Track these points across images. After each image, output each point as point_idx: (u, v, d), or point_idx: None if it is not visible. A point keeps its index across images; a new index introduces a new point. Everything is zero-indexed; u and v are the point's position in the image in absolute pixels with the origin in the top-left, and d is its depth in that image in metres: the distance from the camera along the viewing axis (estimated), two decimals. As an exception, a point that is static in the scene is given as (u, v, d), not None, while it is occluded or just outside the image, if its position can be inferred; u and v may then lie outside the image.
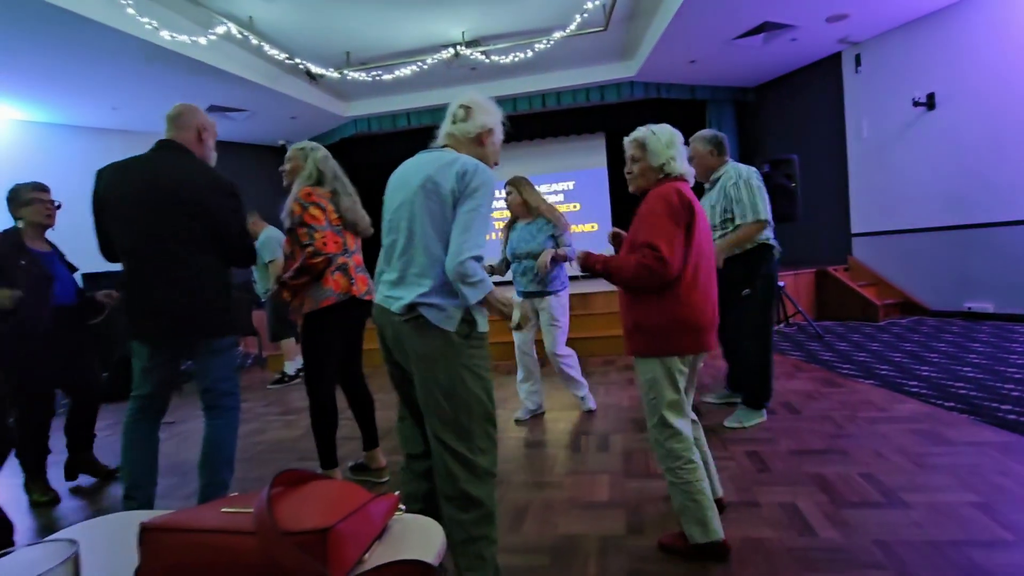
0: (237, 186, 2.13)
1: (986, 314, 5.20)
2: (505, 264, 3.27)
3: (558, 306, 3.27)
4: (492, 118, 1.59)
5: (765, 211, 2.80)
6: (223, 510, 0.58)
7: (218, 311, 2.05)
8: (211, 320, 2.04)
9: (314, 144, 2.55)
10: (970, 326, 4.98)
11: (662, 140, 1.76)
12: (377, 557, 0.60)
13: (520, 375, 3.41)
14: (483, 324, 1.47)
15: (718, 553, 1.69)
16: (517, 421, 3.34)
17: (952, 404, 2.94)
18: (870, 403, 3.10)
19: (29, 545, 0.46)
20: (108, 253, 2.11)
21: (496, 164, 1.62)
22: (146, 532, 0.56)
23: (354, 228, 2.49)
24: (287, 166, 2.52)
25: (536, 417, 3.41)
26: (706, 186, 3.09)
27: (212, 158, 2.19)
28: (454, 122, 1.57)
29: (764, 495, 2.11)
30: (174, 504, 2.47)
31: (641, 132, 1.81)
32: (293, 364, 5.21)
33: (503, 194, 3.10)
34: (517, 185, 3.25)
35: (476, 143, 1.57)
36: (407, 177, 1.51)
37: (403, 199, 1.48)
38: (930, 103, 5.47)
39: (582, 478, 2.43)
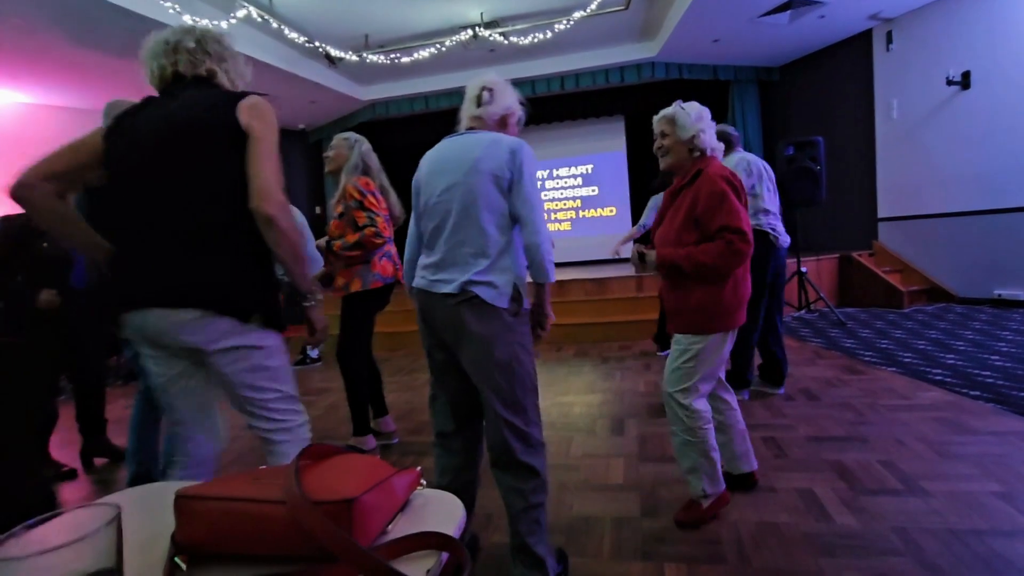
0: None
1: (1017, 301, 5.06)
2: None
3: None
4: (513, 100, 1.63)
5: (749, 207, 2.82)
6: (254, 480, 0.61)
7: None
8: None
9: (358, 136, 2.69)
10: (999, 314, 4.85)
11: (691, 114, 1.80)
12: (400, 528, 0.62)
13: None
14: (527, 302, 1.54)
15: (725, 501, 1.86)
16: None
17: (977, 393, 2.88)
18: (892, 391, 3.06)
19: (74, 509, 0.49)
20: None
21: None
22: (181, 500, 0.59)
23: (396, 220, 2.69)
24: (331, 153, 2.67)
25: (551, 401, 3.41)
26: None
27: None
28: (479, 104, 1.58)
29: (781, 481, 2.11)
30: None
31: (670, 108, 1.85)
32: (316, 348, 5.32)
33: None
34: None
35: (501, 125, 1.60)
36: (451, 160, 1.52)
37: (450, 182, 1.50)
38: (965, 82, 5.27)
39: (597, 461, 2.46)
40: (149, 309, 1.21)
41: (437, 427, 1.68)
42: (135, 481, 2.21)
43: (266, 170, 1.22)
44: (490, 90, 1.58)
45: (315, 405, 3.81)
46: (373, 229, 2.45)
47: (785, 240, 2.97)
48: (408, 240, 1.68)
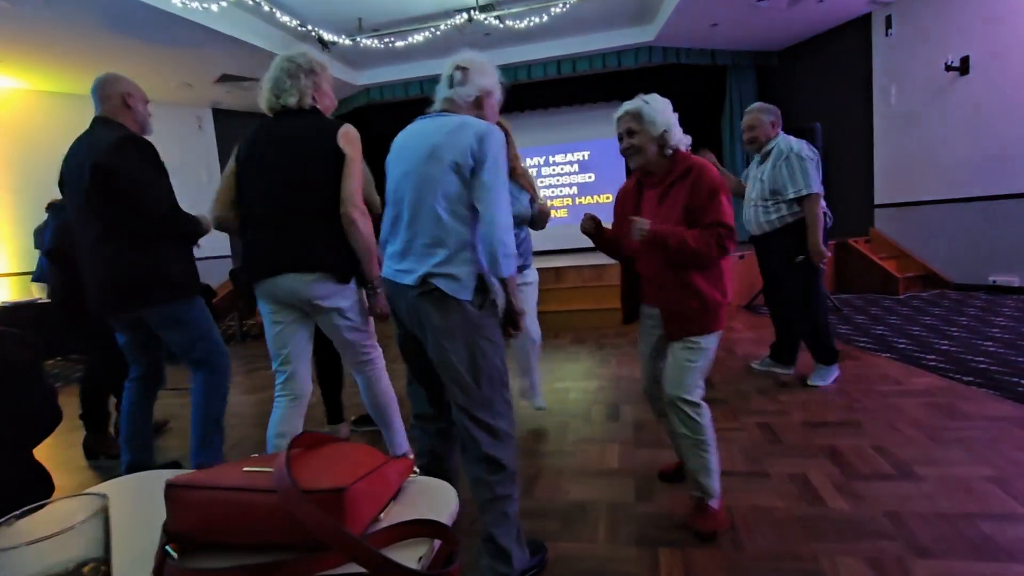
0: (150, 145, 2.05)
1: (1011, 288, 5.08)
2: None
3: (535, 280, 2.80)
4: (490, 79, 1.54)
5: (818, 184, 2.82)
6: (245, 469, 0.60)
7: (148, 281, 2.01)
8: (141, 292, 2.01)
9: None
10: (994, 300, 4.88)
11: (657, 107, 1.69)
12: (393, 516, 0.62)
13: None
14: (495, 293, 1.47)
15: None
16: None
17: (971, 378, 2.90)
18: (886, 376, 3.08)
19: (62, 499, 0.49)
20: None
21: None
22: (172, 489, 0.58)
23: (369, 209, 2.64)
24: None
25: (547, 387, 3.41)
26: (754, 157, 3.12)
27: (146, 120, 2.16)
28: (451, 85, 1.51)
29: (774, 466, 2.12)
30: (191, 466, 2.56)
31: (633, 104, 1.72)
32: None
33: None
34: (507, 131, 2.62)
35: (475, 106, 1.52)
36: (410, 146, 1.47)
37: (407, 169, 1.45)
38: (963, 67, 5.23)
39: (592, 446, 2.47)
40: (283, 275, 1.76)
41: (415, 409, 1.67)
42: (131, 468, 2.20)
43: (352, 184, 1.77)
44: (463, 69, 1.50)
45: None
46: None
47: (830, 221, 3.03)
48: (383, 224, 1.61)
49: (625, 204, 1.87)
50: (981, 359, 3.21)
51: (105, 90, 2.07)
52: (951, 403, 2.60)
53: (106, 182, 1.93)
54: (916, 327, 4.15)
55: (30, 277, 5.77)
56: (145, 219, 2.00)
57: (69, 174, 2.04)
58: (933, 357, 3.34)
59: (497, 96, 1.57)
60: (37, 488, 1.26)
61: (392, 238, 1.52)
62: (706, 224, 1.64)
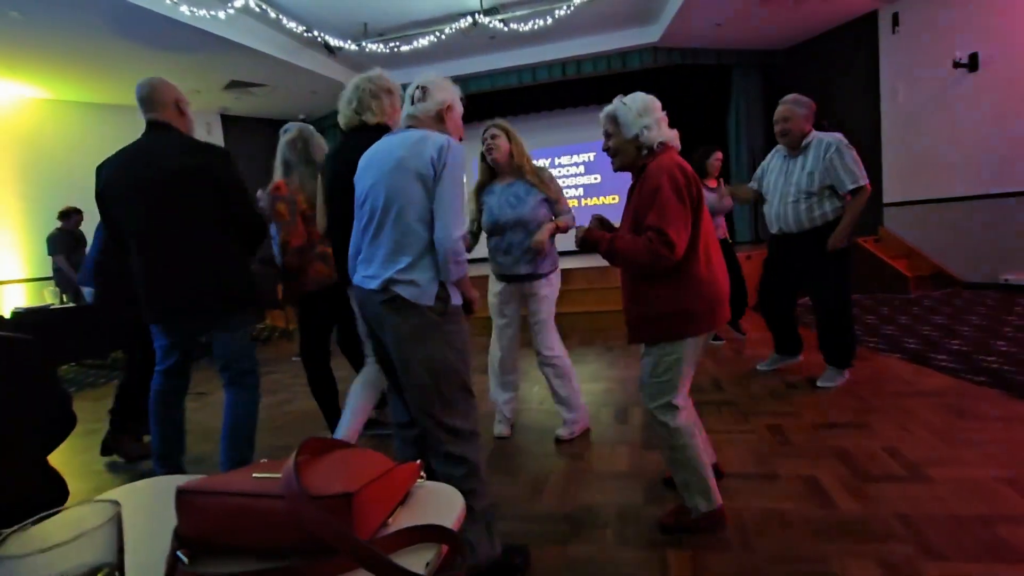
0: (231, 153, 2.13)
1: (1024, 286, 5.03)
2: (473, 238, 2.54)
3: (551, 293, 2.58)
4: (449, 94, 1.62)
5: (864, 173, 2.77)
6: (254, 475, 0.61)
7: (227, 288, 2.04)
8: (219, 297, 2.03)
9: (287, 126, 2.61)
10: (1006, 298, 4.82)
11: (633, 109, 1.67)
12: (400, 521, 0.63)
13: (495, 381, 2.75)
14: (456, 298, 1.52)
15: (720, 521, 1.72)
16: (498, 437, 2.69)
17: (983, 378, 2.87)
18: (896, 377, 3.05)
19: (74, 506, 0.49)
20: (118, 243, 2.15)
21: (461, 139, 1.62)
22: (182, 495, 0.59)
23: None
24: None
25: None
26: (782, 152, 3.02)
27: (193, 127, 2.17)
28: (412, 103, 1.59)
29: (784, 467, 2.11)
30: (208, 470, 2.58)
31: (612, 105, 1.73)
32: None
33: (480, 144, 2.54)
34: (507, 129, 2.52)
35: (437, 120, 1.60)
36: (377, 159, 1.54)
37: (374, 179, 1.51)
38: (972, 64, 5.19)
39: (601, 449, 2.46)
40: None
41: (394, 417, 1.72)
42: (162, 466, 2.19)
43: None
44: (423, 88, 1.58)
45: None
46: (281, 242, 2.50)
47: None
48: (352, 235, 1.67)
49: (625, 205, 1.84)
50: (993, 359, 3.18)
51: (159, 96, 2.03)
52: (963, 403, 2.57)
53: (207, 189, 1.97)
54: (927, 327, 4.11)
55: (42, 283, 5.85)
56: (243, 227, 2.07)
57: (132, 180, 1.97)
58: (944, 357, 3.31)
59: (458, 109, 1.65)
60: (51, 494, 1.28)
61: (360, 247, 1.59)
62: (644, 228, 1.58)
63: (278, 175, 2.57)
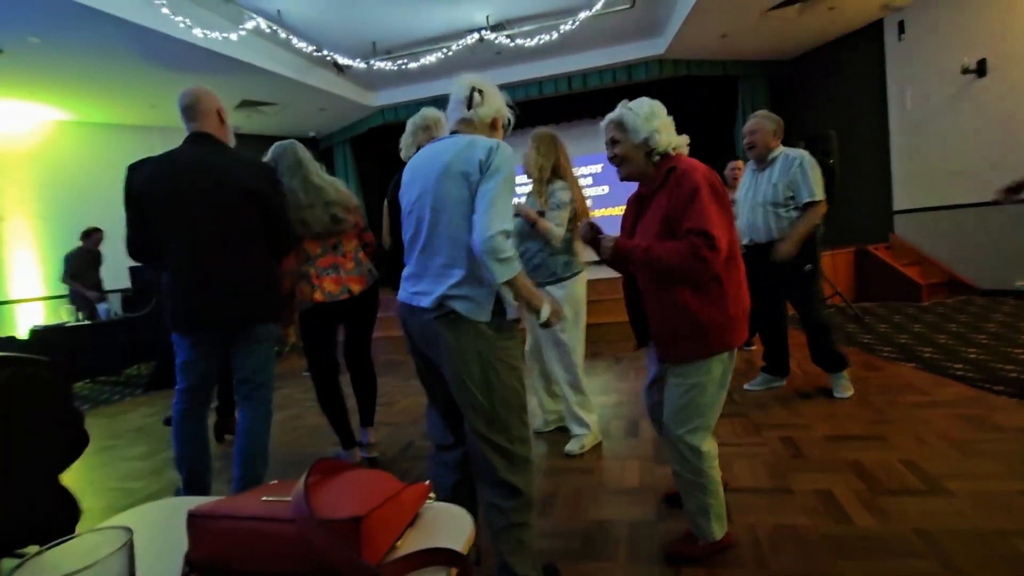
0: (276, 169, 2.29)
1: (1041, 293, 4.94)
2: None
3: (563, 296, 2.56)
4: (503, 102, 1.56)
5: (822, 191, 2.86)
6: (263, 499, 0.61)
7: (267, 298, 2.10)
8: (260, 307, 2.08)
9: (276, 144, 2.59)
10: (1022, 305, 4.74)
11: (640, 114, 1.59)
12: (409, 544, 0.63)
13: (542, 387, 2.90)
14: (512, 312, 1.45)
15: (728, 546, 1.67)
16: (537, 433, 2.87)
17: (1001, 388, 2.81)
18: (912, 387, 3.00)
19: (88, 532, 0.50)
20: (140, 248, 2.07)
21: None
22: (193, 518, 0.60)
23: (306, 234, 2.46)
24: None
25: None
26: (751, 166, 3.11)
27: (232, 138, 2.19)
28: (470, 106, 1.48)
29: (798, 482, 2.08)
30: (221, 487, 2.59)
31: (616, 111, 1.65)
32: None
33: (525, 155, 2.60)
34: (539, 140, 2.67)
35: (491, 128, 1.53)
36: (424, 167, 1.46)
37: (421, 190, 1.44)
38: (980, 70, 5.16)
39: (612, 464, 2.44)
40: None
41: (435, 439, 1.64)
42: (189, 484, 2.14)
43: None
44: (480, 91, 1.48)
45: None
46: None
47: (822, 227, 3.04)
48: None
49: (627, 215, 1.78)
50: (1012, 367, 3.12)
51: (202, 105, 2.03)
52: (981, 414, 2.52)
53: (255, 203, 2.03)
54: (942, 335, 4.05)
55: (59, 300, 5.94)
56: (280, 241, 2.17)
57: (185, 188, 1.95)
58: (961, 366, 3.26)
59: (506, 118, 1.58)
60: (63, 513, 1.30)
61: (408, 262, 1.52)
62: (683, 233, 1.48)
63: None
